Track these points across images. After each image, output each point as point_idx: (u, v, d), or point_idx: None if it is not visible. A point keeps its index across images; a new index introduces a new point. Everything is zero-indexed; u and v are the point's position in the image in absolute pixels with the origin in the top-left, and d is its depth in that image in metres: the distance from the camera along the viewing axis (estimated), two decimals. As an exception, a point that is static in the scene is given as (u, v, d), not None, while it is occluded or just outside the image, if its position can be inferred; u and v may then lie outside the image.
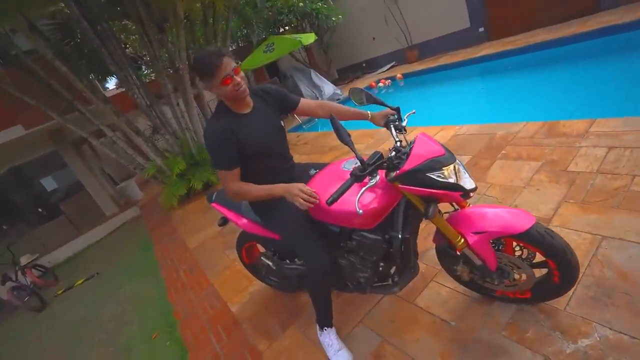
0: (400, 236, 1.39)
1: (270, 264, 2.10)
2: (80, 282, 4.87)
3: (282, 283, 2.39)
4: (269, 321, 2.27)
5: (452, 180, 1.19)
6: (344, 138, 1.21)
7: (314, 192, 1.33)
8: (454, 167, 1.21)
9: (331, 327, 1.80)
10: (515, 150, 2.89)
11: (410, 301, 1.92)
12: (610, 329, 1.36)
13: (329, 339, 1.76)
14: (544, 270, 1.43)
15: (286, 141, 1.73)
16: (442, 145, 1.25)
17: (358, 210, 1.14)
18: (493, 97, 5.39)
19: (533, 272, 1.42)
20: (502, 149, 3.00)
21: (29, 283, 4.97)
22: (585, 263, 1.65)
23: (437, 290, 1.91)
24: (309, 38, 8.33)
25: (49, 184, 7.25)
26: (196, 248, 3.94)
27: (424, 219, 1.38)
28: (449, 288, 1.88)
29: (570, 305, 1.51)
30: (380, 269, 1.57)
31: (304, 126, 7.98)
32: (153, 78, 8.07)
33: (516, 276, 1.47)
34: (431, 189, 1.18)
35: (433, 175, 1.17)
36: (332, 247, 1.65)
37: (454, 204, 1.47)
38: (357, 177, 1.19)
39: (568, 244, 1.30)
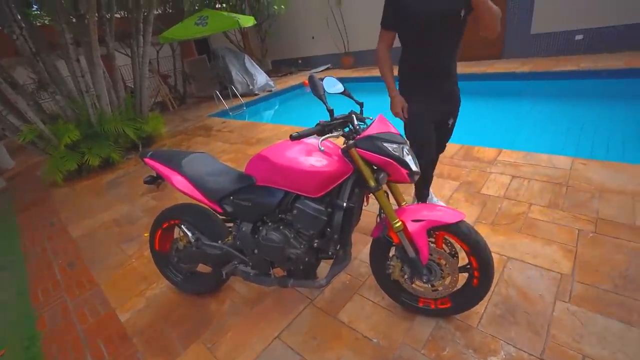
0: (345, 205, 1.44)
1: (190, 234, 1.88)
2: None
3: (185, 281, 2.15)
4: (168, 334, 1.92)
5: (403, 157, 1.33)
6: (318, 92, 1.36)
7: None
8: (405, 148, 1.35)
9: None
10: (437, 167, 3.08)
11: (333, 315, 1.82)
12: (514, 346, 1.47)
13: None
14: (464, 279, 1.56)
15: (456, 37, 1.83)
16: (397, 130, 1.41)
17: (320, 147, 1.29)
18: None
19: (457, 272, 1.50)
20: (426, 165, 3.18)
21: None
22: (494, 281, 1.78)
23: (360, 304, 1.85)
24: (248, 21, 7.82)
25: None
26: (82, 237, 3.22)
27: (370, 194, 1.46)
28: (372, 302, 1.84)
29: (482, 322, 1.60)
30: (315, 245, 1.56)
31: (230, 112, 7.45)
32: (47, 22, 6.44)
33: (440, 279, 1.53)
34: (385, 157, 1.30)
35: (388, 145, 1.31)
36: (265, 220, 1.67)
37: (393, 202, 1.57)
38: (323, 126, 1.34)
39: (488, 246, 1.43)
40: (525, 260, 1.91)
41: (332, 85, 1.54)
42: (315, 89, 1.37)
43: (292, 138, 1.25)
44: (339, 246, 1.57)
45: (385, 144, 1.31)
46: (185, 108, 9.00)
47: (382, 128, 1.37)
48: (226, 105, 7.60)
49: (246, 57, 8.90)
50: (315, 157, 1.43)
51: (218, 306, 2.04)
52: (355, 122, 1.45)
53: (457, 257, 1.54)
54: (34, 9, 6.36)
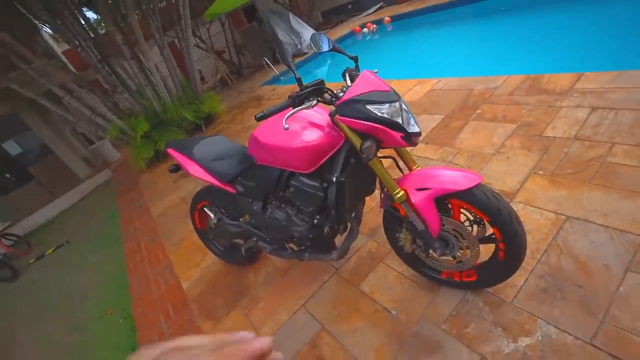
0: (335, 179, 1.33)
1: (212, 215, 2.02)
2: (51, 250, 4.77)
3: (226, 252, 2.34)
4: (215, 301, 2.16)
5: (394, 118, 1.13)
6: (285, 59, 1.19)
7: None
8: (398, 106, 1.14)
9: None
10: (491, 109, 2.59)
11: (356, 285, 1.78)
12: (556, 327, 1.22)
13: None
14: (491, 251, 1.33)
15: None
16: (388, 85, 1.19)
17: (284, 125, 1.12)
18: (482, 44, 4.87)
19: (478, 244, 1.29)
20: (478, 107, 2.69)
21: (-2, 253, 4.87)
22: (542, 248, 1.48)
23: (383, 273, 1.76)
24: (285, -25, 7.35)
25: (11, 148, 6.82)
26: (159, 216, 3.76)
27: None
28: (396, 272, 1.73)
29: (519, 297, 1.36)
30: (316, 221, 1.50)
31: (281, 78, 7.41)
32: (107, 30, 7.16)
33: (460, 251, 1.33)
34: (369, 122, 1.12)
35: (372, 108, 1.12)
36: (271, 198, 1.64)
37: (401, 167, 1.41)
38: (294, 98, 1.18)
39: (516, 213, 1.18)
40: (591, 219, 1.51)
41: (319, 42, 1.36)
42: (282, 54, 1.21)
43: (257, 119, 1.15)
44: (340, 221, 1.47)
45: (369, 107, 1.13)
46: (242, 80, 9.28)
47: (367, 87, 1.16)
48: (276, 70, 7.57)
49: (290, 14, 8.39)
50: (305, 130, 1.33)
51: (255, 276, 2.19)
52: (348, 81, 1.31)
53: (484, 225, 1.30)
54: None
